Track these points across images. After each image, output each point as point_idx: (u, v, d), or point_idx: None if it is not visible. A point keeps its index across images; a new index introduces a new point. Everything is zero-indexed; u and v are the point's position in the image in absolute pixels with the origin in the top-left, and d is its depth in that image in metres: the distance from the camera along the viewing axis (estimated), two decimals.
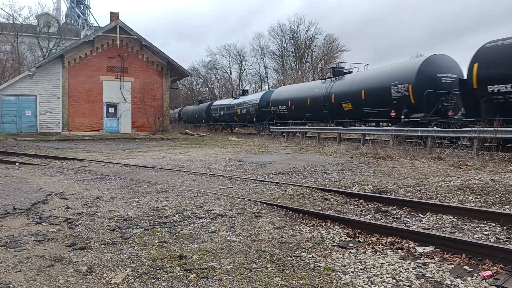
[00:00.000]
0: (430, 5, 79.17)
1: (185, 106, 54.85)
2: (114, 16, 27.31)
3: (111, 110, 27.75)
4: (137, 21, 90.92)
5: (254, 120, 30.49)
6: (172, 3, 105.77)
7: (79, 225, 4.78)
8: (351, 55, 68.03)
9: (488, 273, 3.37)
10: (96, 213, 5.33)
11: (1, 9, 66.39)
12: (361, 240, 4.41)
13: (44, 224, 4.85)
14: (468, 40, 68.34)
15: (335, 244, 4.31)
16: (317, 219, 5.11)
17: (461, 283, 3.24)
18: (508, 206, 5.89)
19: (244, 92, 37.92)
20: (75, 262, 3.61)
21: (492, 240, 4.42)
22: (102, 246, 4.08)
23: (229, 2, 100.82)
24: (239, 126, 37.85)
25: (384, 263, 3.68)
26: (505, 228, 4.83)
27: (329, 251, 4.07)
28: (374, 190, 7.22)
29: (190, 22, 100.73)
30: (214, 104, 40.98)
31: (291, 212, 5.43)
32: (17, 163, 11.24)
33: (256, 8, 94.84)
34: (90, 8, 50.45)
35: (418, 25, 77.90)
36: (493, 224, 4.95)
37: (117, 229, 4.63)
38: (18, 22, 35.20)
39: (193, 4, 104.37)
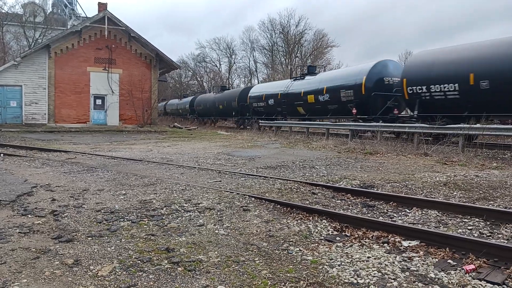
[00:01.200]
0: (424, 3, 79.55)
1: (200, 95, 42.97)
2: (102, 6, 26.88)
3: (99, 102, 27.40)
4: (128, 12, 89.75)
5: (354, 111, 18.27)
6: None
7: (65, 218, 4.73)
8: (341, 50, 68.28)
9: (471, 267, 3.44)
10: (83, 206, 5.28)
11: None
12: (348, 234, 4.45)
13: (29, 216, 4.79)
14: (461, 38, 68.78)
15: (322, 237, 4.34)
16: (305, 213, 5.14)
17: (445, 276, 3.30)
18: (491, 202, 6.01)
19: (311, 70, 23.47)
20: (61, 254, 3.58)
21: (475, 235, 4.50)
22: (89, 238, 4.04)
23: None
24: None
25: (370, 257, 3.72)
26: (488, 223, 4.92)
27: (316, 244, 4.10)
28: (361, 185, 7.29)
29: (183, 13, 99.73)
30: (253, 90, 28.81)
31: (279, 206, 5.46)
32: (1, 155, 11.04)
33: (252, 0, 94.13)
34: None
35: (412, 22, 78.24)
36: (477, 219, 5.04)
37: (104, 222, 4.60)
38: (3, 11, 34.45)
39: None
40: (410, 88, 15.43)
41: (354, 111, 18.25)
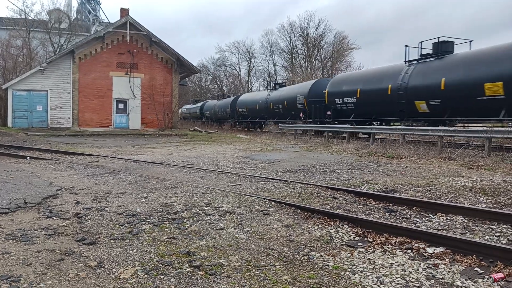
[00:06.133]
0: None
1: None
2: (124, 12, 27.42)
3: (121, 106, 27.90)
4: (164, 12, 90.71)
5: None
6: None
7: (89, 220, 4.82)
8: (378, 49, 66.71)
9: (500, 275, 3.33)
10: (106, 208, 5.36)
11: (14, 4, 67.04)
12: (370, 240, 4.37)
13: (54, 218, 4.90)
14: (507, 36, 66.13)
15: (344, 243, 4.28)
16: (326, 217, 5.09)
17: (472, 285, 3.20)
18: None
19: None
20: (85, 256, 3.64)
21: (503, 242, 4.36)
22: (112, 241, 4.10)
23: None
24: None
25: (393, 263, 3.64)
26: None
27: (338, 250, 4.05)
28: (384, 190, 7.16)
29: (219, 14, 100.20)
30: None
31: (299, 210, 5.42)
32: (28, 158, 11.36)
33: (290, 1, 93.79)
34: (100, 4, 50.68)
35: (455, 20, 75.53)
36: (505, 226, 4.88)
37: (126, 225, 4.65)
38: (29, 18, 35.50)
39: None
40: None
41: None
